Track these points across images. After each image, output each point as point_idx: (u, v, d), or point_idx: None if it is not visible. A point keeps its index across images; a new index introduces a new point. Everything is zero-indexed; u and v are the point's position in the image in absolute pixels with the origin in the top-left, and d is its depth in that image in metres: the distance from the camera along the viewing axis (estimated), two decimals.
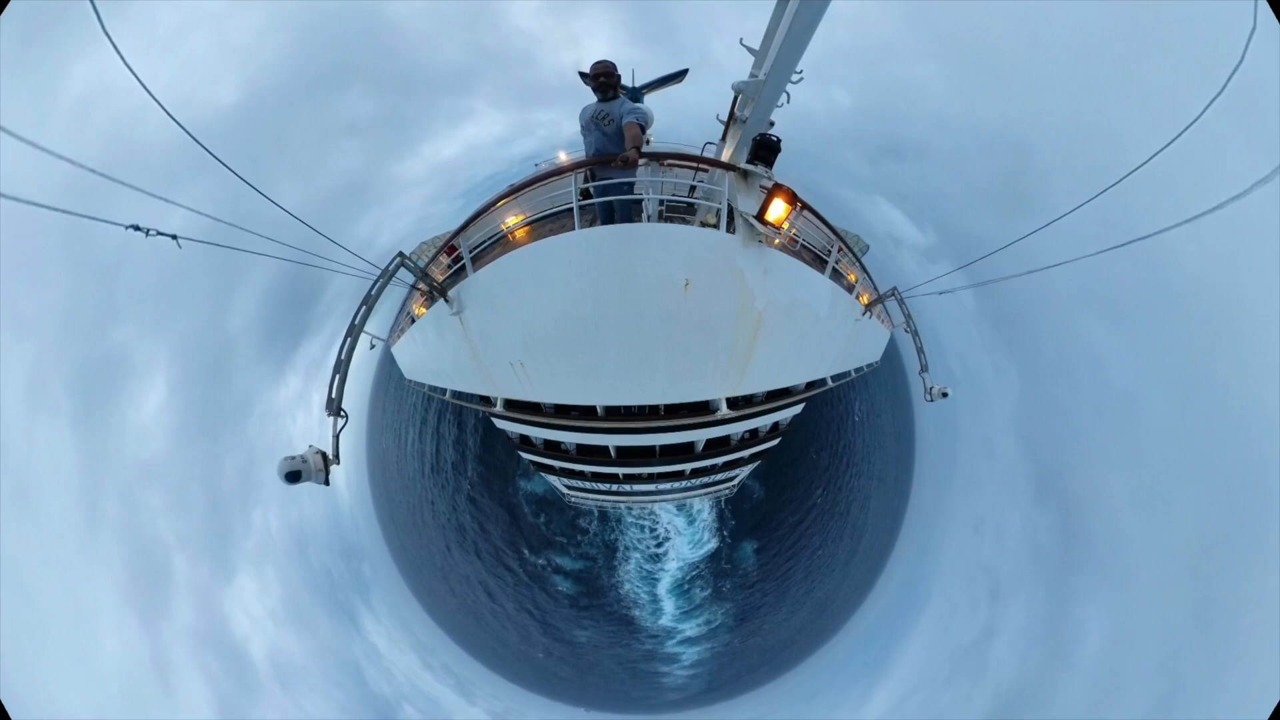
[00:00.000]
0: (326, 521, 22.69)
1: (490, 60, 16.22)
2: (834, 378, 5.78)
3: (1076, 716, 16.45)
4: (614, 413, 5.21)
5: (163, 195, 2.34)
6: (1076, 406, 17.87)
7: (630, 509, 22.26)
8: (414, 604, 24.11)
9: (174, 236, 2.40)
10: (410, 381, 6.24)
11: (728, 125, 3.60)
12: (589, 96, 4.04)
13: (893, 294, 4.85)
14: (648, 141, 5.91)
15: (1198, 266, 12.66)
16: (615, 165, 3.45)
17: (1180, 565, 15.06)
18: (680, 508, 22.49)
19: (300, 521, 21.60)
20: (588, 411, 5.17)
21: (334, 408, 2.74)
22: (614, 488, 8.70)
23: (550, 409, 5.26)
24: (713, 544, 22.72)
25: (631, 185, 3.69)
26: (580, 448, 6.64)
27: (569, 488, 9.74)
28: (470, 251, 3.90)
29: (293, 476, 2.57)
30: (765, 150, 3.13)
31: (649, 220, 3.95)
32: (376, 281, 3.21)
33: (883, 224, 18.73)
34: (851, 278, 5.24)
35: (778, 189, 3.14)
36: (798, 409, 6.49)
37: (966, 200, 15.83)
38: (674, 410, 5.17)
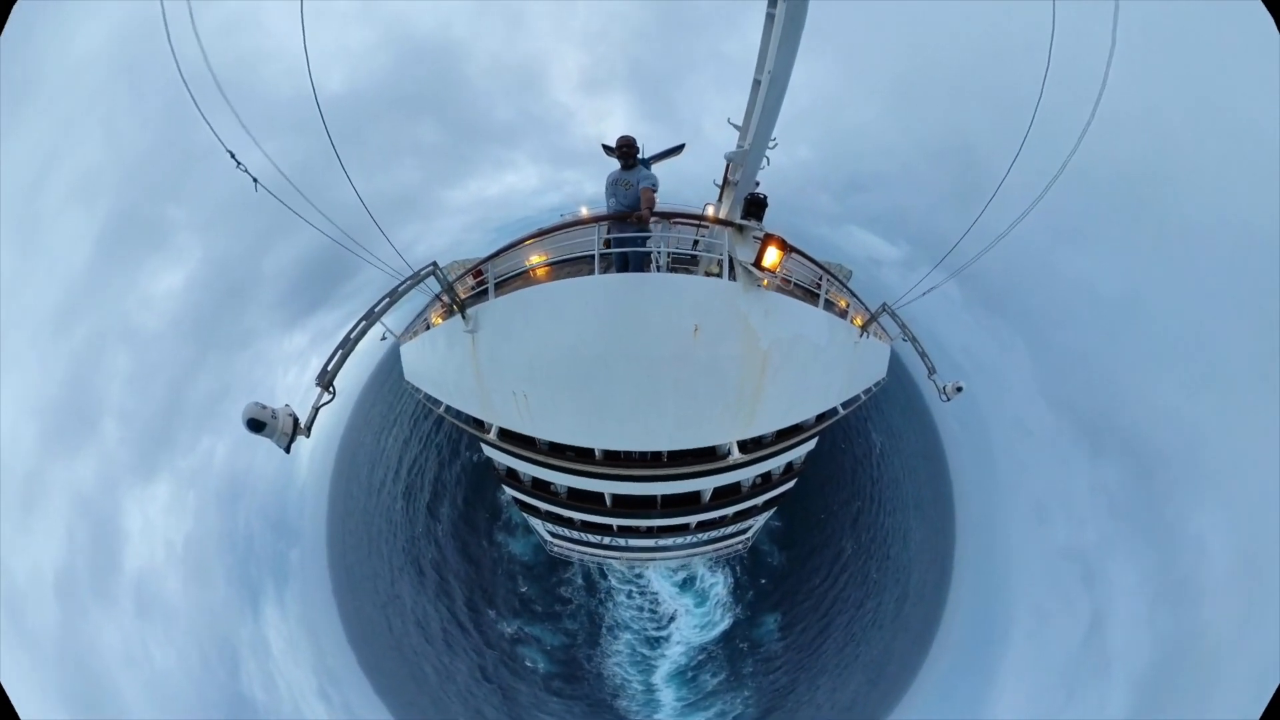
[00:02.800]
0: (273, 486, 20.51)
1: (533, 123, 20.52)
2: (844, 405, 5.85)
3: (1238, 647, 13.58)
4: (613, 457, 5.16)
5: (255, 134, 2.83)
6: (1089, 340, 17.64)
7: (622, 586, 19.88)
8: (334, 620, 20.52)
9: (255, 180, 2.79)
10: (409, 384, 6.33)
11: (723, 188, 4.24)
12: (608, 164, 4.82)
13: (884, 310, 5.12)
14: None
15: (1120, 152, 13.89)
16: (631, 222, 4.07)
17: (1271, 410, 13.60)
18: (685, 586, 19.91)
19: (247, 471, 19.65)
20: (584, 453, 5.14)
21: (325, 381, 2.73)
22: (606, 541, 8.12)
23: (545, 445, 5.22)
24: (726, 623, 19.68)
25: (645, 240, 4.27)
26: (572, 491, 6.38)
27: (553, 535, 9.10)
28: (495, 279, 4.32)
29: (255, 425, 2.45)
30: (755, 206, 3.67)
31: (659, 270, 4.43)
32: (406, 280, 3.54)
33: (860, 249, 21.04)
34: (843, 304, 5.62)
35: (769, 238, 3.65)
36: (811, 444, 6.41)
37: (929, 207, 18.08)
38: (678, 457, 5.11)
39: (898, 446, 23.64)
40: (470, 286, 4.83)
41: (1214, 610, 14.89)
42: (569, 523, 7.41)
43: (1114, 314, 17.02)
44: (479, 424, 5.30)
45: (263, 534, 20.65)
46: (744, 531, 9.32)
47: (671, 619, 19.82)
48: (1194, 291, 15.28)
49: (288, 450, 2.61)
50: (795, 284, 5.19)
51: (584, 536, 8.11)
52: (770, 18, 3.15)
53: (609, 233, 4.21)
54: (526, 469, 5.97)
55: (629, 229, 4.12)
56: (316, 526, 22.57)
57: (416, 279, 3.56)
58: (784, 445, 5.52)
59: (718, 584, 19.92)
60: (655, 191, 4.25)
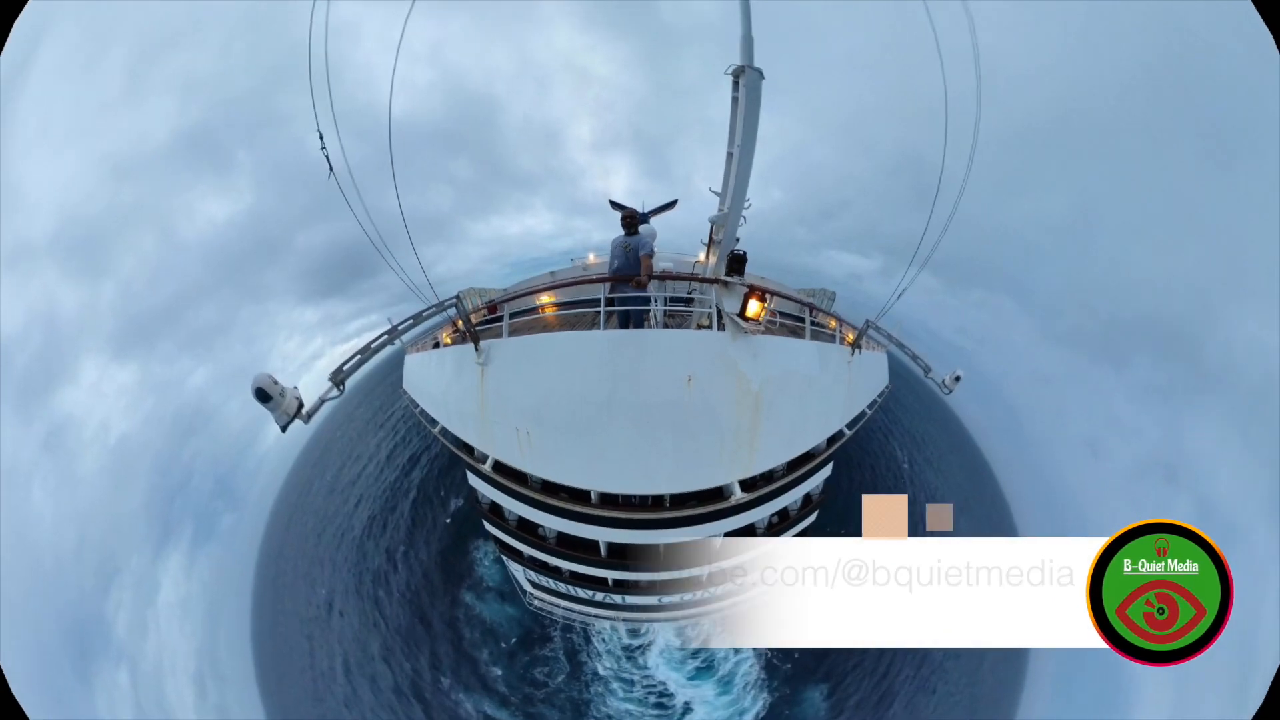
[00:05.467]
0: (234, 439, 20.12)
1: (551, 174, 25.11)
2: (850, 425, 6.11)
3: None
4: (610, 501, 5.35)
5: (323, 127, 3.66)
6: (1063, 266, 19.29)
7: (614, 674, 17.43)
8: (245, 610, 18.38)
9: (331, 169, 3.48)
10: (406, 395, 6.57)
11: (709, 247, 5.02)
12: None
13: (868, 326, 5.58)
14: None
15: (1020, 103, 16.37)
16: (633, 285, 4.93)
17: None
18: (702, 674, 17.33)
19: (215, 411, 19.48)
20: (580, 495, 5.31)
21: (339, 379, 3.04)
22: (599, 597, 7.72)
23: (537, 483, 5.43)
24: (759, 707, 16.77)
25: (645, 299, 5.10)
26: (562, 537, 6.36)
27: (534, 585, 8.55)
28: (510, 317, 4.95)
29: (262, 395, 2.62)
30: (737, 262, 4.41)
31: (656, 325, 5.14)
32: (431, 307, 4.09)
33: (840, 269, 24.34)
34: (832, 324, 6.16)
35: (751, 292, 4.33)
36: (826, 471, 6.50)
37: (895, 216, 20.98)
38: (681, 501, 5.29)
39: (925, 453, 23.40)
40: (484, 317, 5.50)
41: None
42: (555, 572, 7.22)
43: (1072, 231, 19.39)
44: (469, 449, 5.63)
45: (203, 480, 20.06)
46: None
47: (686, 711, 16.81)
48: (1122, 173, 17.86)
49: (284, 429, 2.83)
50: (782, 317, 5.80)
51: (572, 590, 7.74)
52: (735, 100, 4.05)
53: (613, 291, 5.03)
54: (513, 506, 6.07)
55: (630, 290, 4.95)
56: (262, 503, 21.52)
57: (441, 307, 4.17)
58: (795, 476, 5.73)
59: (745, 661, 17.18)
60: (652, 256, 5.17)
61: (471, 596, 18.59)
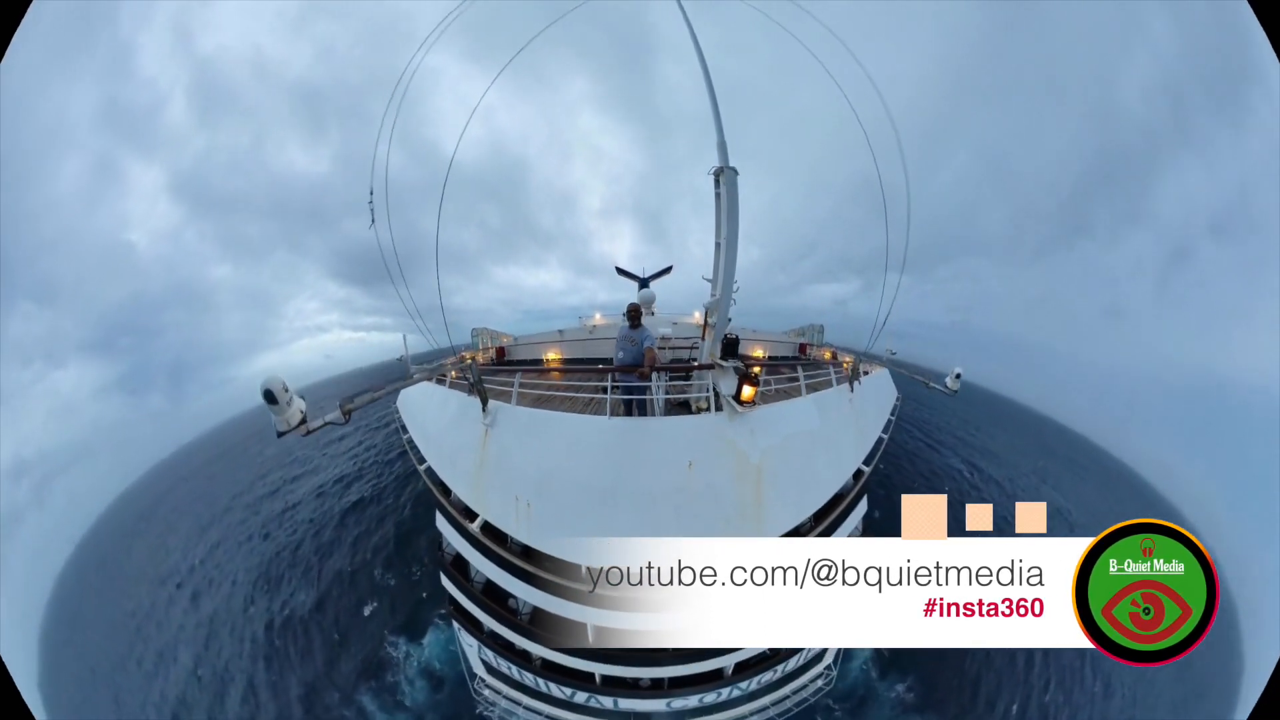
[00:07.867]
0: (215, 347, 20.61)
1: (566, 235, 32.05)
2: (867, 460, 6.05)
3: None
4: None
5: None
6: (997, 197, 22.54)
7: None
8: (99, 502, 16.43)
9: (373, 221, 3.94)
10: (398, 415, 6.38)
11: (704, 330, 5.61)
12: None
13: (858, 363, 5.87)
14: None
15: (918, 106, 23.97)
16: (638, 375, 5.47)
17: None
18: None
19: (215, 307, 20.58)
20: (569, 568, 5.02)
21: (347, 408, 3.15)
22: (579, 698, 6.36)
23: (517, 546, 5.20)
24: None
25: (647, 388, 5.48)
26: (538, 615, 5.70)
27: (490, 669, 7.00)
28: (517, 366, 5.35)
29: (269, 396, 2.62)
30: (730, 345, 4.92)
31: (658, 412, 5.55)
32: (441, 362, 4.49)
33: (823, 300, 28.53)
34: (827, 355, 6.43)
35: (744, 376, 4.80)
36: (862, 509, 6.17)
37: (860, 240, 24.85)
38: None
39: (977, 441, 22.91)
40: (491, 358, 5.73)
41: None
42: (523, 658, 6.19)
43: (985, 167, 22.71)
44: (448, 492, 5.62)
45: (165, 349, 20.67)
46: (818, 660, 7.29)
47: None
48: (995, 97, 24.07)
49: (280, 436, 2.85)
50: (776, 363, 6.06)
51: (542, 685, 6.39)
52: (717, 197, 4.74)
53: (618, 380, 5.56)
54: (486, 568, 5.55)
55: (634, 379, 5.50)
56: (198, 421, 21.05)
57: (455, 363, 4.66)
58: (823, 529, 5.61)
59: None
60: (655, 347, 5.72)
61: (372, 703, 13.08)
